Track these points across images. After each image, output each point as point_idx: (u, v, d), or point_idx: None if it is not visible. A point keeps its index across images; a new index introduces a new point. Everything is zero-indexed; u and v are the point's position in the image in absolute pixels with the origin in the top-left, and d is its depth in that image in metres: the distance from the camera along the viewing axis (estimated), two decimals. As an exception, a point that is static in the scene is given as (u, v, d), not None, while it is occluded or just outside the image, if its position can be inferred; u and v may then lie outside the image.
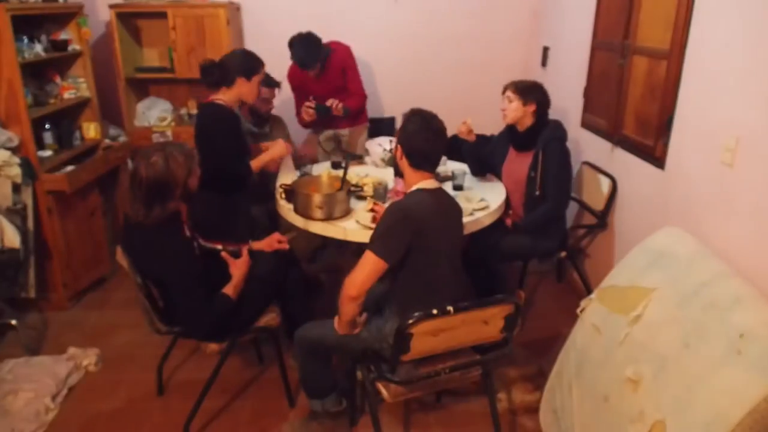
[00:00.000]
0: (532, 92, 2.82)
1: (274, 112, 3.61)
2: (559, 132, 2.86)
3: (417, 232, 1.90)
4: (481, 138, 3.13)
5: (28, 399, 2.48)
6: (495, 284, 2.80)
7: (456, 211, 2.14)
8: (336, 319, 2.07)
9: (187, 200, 2.20)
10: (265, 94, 3.35)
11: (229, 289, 2.24)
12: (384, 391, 2.05)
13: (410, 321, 1.79)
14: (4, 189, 2.85)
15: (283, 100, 3.81)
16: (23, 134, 2.99)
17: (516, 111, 2.84)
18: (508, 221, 2.96)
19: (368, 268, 1.89)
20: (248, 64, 2.71)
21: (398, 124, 4.43)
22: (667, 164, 2.53)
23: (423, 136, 1.97)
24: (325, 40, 3.54)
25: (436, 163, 2.05)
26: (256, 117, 3.45)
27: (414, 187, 2.02)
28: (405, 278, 2.00)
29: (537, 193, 2.83)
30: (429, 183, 2.02)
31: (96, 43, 3.99)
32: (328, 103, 3.48)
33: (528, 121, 2.86)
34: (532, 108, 2.82)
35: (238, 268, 2.31)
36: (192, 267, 2.16)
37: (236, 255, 2.39)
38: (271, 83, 3.39)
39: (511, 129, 2.97)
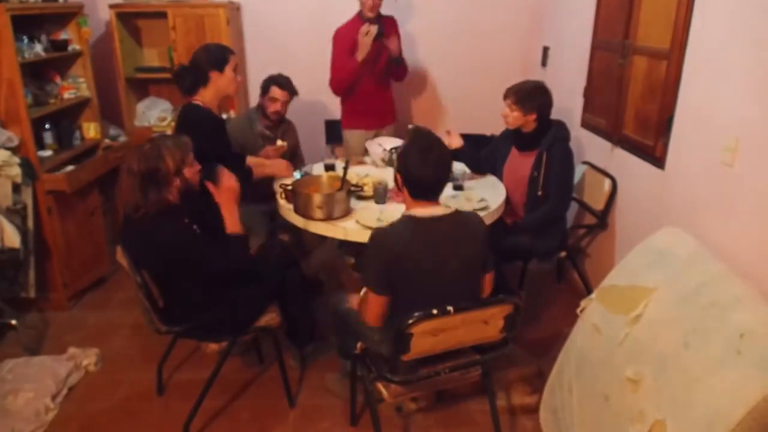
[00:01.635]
0: (532, 100, 2.80)
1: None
2: (563, 133, 2.86)
3: (391, 261, 1.87)
4: (476, 139, 3.12)
5: (28, 399, 2.48)
6: (497, 284, 2.79)
7: (459, 240, 1.95)
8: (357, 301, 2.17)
9: (189, 195, 2.21)
10: (274, 93, 3.23)
11: (229, 228, 2.29)
12: (384, 391, 2.05)
13: (410, 321, 1.79)
14: (4, 189, 2.85)
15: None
16: (23, 134, 2.99)
17: (517, 120, 2.85)
18: (509, 221, 2.95)
19: (371, 302, 1.96)
20: (216, 55, 2.59)
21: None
22: (667, 164, 2.53)
23: (422, 167, 1.88)
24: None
25: (437, 192, 1.96)
26: (267, 119, 3.37)
27: (405, 213, 1.96)
28: (397, 305, 1.94)
29: (539, 193, 2.83)
30: (422, 210, 1.92)
31: (96, 43, 3.99)
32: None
33: (532, 125, 2.86)
34: (533, 116, 2.82)
35: (221, 195, 2.32)
36: (200, 241, 2.22)
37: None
38: (281, 82, 3.25)
39: (515, 129, 2.96)
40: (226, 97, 2.77)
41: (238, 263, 2.27)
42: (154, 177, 2.09)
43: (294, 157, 3.60)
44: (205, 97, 2.60)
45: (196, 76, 2.58)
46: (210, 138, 2.54)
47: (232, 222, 2.32)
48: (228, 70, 2.60)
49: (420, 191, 1.92)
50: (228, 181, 2.34)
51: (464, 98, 4.46)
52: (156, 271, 2.19)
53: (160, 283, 2.21)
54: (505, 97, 2.87)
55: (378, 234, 1.93)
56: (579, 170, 3.38)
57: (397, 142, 3.37)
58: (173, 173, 2.13)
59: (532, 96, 2.81)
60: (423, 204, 1.93)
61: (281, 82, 3.27)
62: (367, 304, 1.98)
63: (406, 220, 1.92)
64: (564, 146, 2.82)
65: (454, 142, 3.08)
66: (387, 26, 3.62)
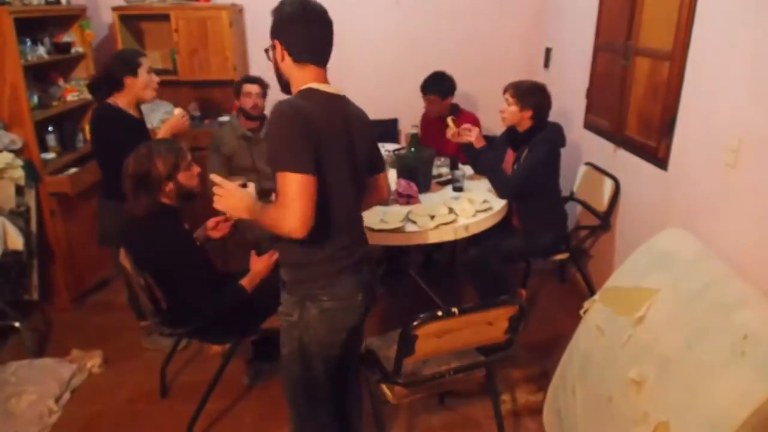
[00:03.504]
0: (530, 96, 2.80)
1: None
2: (552, 135, 2.83)
3: (316, 137, 1.50)
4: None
5: (31, 401, 2.48)
6: (498, 286, 2.79)
7: (364, 124, 1.71)
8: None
9: (187, 199, 2.23)
10: (247, 89, 3.24)
11: (245, 281, 2.25)
12: (388, 393, 2.05)
13: (415, 323, 1.79)
14: (7, 191, 2.86)
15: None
16: (26, 137, 2.99)
17: (513, 115, 2.84)
18: (515, 221, 2.96)
19: (298, 196, 1.44)
20: (127, 61, 2.67)
21: (400, 125, 4.46)
22: (670, 165, 2.53)
23: (304, 23, 1.58)
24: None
25: (327, 55, 1.64)
26: (248, 119, 3.34)
27: (303, 87, 1.60)
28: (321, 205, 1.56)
29: None
30: (324, 85, 1.61)
31: (99, 46, 4.00)
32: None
33: (527, 124, 2.85)
34: (528, 113, 2.81)
35: (257, 263, 2.30)
36: (194, 255, 2.21)
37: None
38: (250, 78, 3.30)
39: (511, 129, 2.96)
40: (141, 99, 2.77)
41: (218, 305, 2.19)
42: (144, 181, 2.11)
43: None
44: (121, 99, 2.68)
45: (111, 85, 2.67)
46: (118, 134, 2.59)
47: (249, 281, 2.26)
48: (141, 72, 2.68)
49: (306, 54, 1.59)
50: (271, 256, 2.29)
51: (467, 99, 4.45)
52: (158, 272, 2.19)
53: (163, 282, 2.22)
54: (505, 90, 2.88)
55: (287, 107, 1.51)
56: (581, 171, 3.39)
57: (399, 144, 3.37)
58: (164, 177, 2.14)
59: (530, 92, 2.81)
60: (315, 73, 1.61)
61: (251, 77, 3.33)
62: (289, 206, 1.45)
63: (310, 93, 1.58)
64: (547, 147, 2.77)
65: (456, 136, 3.01)
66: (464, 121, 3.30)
